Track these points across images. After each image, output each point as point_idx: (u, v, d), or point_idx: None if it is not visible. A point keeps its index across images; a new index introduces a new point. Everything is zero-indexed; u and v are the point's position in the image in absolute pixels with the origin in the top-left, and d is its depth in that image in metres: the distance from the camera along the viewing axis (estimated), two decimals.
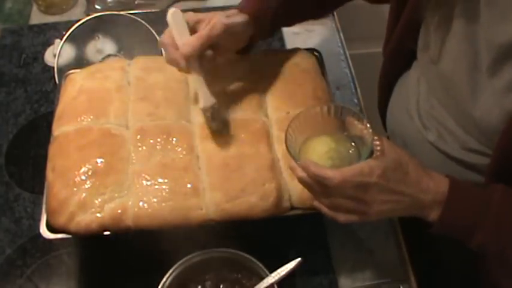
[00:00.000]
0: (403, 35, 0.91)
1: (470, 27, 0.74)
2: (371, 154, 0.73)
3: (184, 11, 1.30)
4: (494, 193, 0.73)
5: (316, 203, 0.76)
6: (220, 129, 0.88)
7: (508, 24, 0.68)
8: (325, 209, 0.75)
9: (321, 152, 0.77)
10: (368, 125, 0.74)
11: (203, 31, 0.84)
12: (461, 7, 0.75)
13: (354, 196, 0.71)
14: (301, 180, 0.74)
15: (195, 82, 0.86)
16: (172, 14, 0.85)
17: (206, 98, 0.86)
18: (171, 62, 0.85)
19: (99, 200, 0.81)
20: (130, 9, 1.27)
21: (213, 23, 0.84)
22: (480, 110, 0.77)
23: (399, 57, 0.95)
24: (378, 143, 0.73)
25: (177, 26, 0.85)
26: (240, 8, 0.88)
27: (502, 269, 0.80)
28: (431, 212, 0.73)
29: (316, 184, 0.72)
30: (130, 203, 0.81)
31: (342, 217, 0.74)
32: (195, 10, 1.30)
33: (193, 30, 0.85)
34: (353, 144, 0.77)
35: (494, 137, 0.76)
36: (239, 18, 0.87)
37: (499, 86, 0.73)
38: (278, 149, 0.88)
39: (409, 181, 0.72)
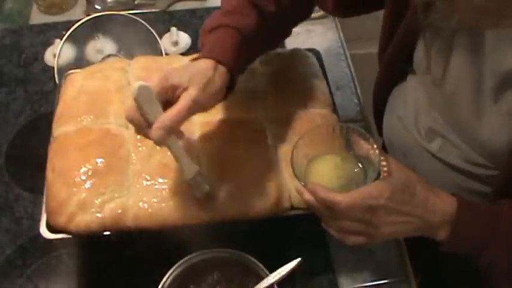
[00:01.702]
0: (397, 51, 0.90)
1: (474, 54, 0.73)
2: (378, 174, 0.72)
3: (184, 11, 1.32)
4: (503, 211, 0.72)
5: (323, 225, 0.75)
6: (208, 193, 0.81)
7: None
8: (332, 231, 0.74)
9: (327, 171, 0.77)
10: (375, 146, 0.73)
11: (178, 109, 0.71)
12: (463, 34, 0.74)
13: (362, 219, 0.71)
14: (307, 203, 0.74)
15: (173, 154, 0.77)
16: (138, 90, 0.69)
17: (189, 168, 0.78)
18: (145, 137, 0.73)
19: (99, 200, 0.81)
20: (130, 9, 1.28)
21: (190, 100, 0.71)
22: (486, 132, 0.77)
23: (393, 72, 0.94)
24: (384, 163, 0.72)
25: (145, 103, 0.70)
26: (217, 60, 0.76)
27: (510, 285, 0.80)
28: (440, 232, 0.73)
29: (323, 208, 0.72)
30: (130, 203, 0.81)
31: (349, 239, 0.73)
32: (195, 10, 1.32)
33: (166, 99, 0.73)
34: (359, 163, 0.77)
35: (500, 156, 0.75)
36: (218, 82, 0.76)
37: (504, 109, 0.72)
38: (278, 149, 0.88)
39: (417, 202, 0.72)
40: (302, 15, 0.96)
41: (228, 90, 0.81)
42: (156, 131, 0.70)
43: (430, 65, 0.82)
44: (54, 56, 1.16)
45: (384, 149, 1.06)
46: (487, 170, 0.81)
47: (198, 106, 0.74)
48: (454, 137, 0.84)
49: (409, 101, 0.92)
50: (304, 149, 0.77)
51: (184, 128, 0.89)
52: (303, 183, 0.74)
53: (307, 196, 0.72)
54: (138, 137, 0.87)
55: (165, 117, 0.70)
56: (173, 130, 0.72)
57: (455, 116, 0.82)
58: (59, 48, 1.15)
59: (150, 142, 0.85)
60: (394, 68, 0.93)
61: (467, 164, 0.83)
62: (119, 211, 0.81)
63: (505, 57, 0.69)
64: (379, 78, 0.99)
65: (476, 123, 0.77)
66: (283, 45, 1.24)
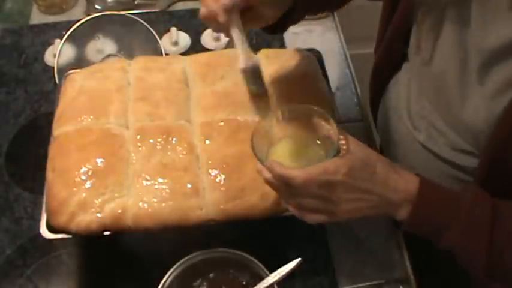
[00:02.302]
0: (394, 37, 0.91)
1: (461, 31, 0.74)
2: (337, 153, 0.73)
3: (184, 11, 1.32)
4: (465, 195, 0.72)
5: (283, 203, 0.75)
6: (259, 92, 0.84)
7: (497, 28, 0.69)
8: (292, 209, 0.74)
9: (289, 152, 0.77)
10: (334, 125, 0.74)
11: None
12: (452, 11, 0.75)
13: (320, 195, 0.71)
14: (267, 182, 0.74)
15: (236, 40, 0.78)
16: None
17: (246, 58, 0.80)
18: (209, 15, 0.76)
19: (99, 200, 0.81)
20: (130, 9, 1.28)
21: None
22: (469, 112, 0.77)
23: (390, 59, 0.96)
24: (343, 142, 0.72)
25: None
26: None
27: (470, 271, 0.80)
28: (401, 211, 0.73)
29: (282, 185, 0.72)
30: (130, 203, 0.81)
31: (309, 217, 0.73)
32: (195, 10, 1.32)
33: None
34: (322, 146, 0.77)
35: (482, 139, 0.76)
36: None
37: (488, 89, 0.73)
38: None
39: (377, 180, 0.72)
40: None
41: (284, 19, 0.83)
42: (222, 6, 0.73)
43: (421, 45, 0.83)
44: (54, 56, 1.16)
45: (380, 148, 1.07)
46: (473, 159, 0.81)
47: None
48: (441, 124, 0.85)
49: (402, 90, 0.94)
50: (267, 131, 0.77)
51: (185, 127, 0.90)
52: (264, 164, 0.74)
53: (266, 174, 0.73)
54: (138, 136, 0.87)
55: None
56: (237, 8, 0.74)
57: (443, 99, 0.83)
58: (59, 48, 1.15)
59: (150, 142, 0.86)
60: (390, 55, 0.95)
61: (454, 152, 0.84)
62: (119, 211, 0.81)
63: (489, 35, 0.70)
64: (375, 70, 1.01)
65: (460, 104, 0.78)
66: (283, 45, 1.24)
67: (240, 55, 0.80)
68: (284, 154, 0.77)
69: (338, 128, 0.73)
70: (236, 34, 0.77)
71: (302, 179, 0.69)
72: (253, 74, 0.82)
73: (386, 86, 1.00)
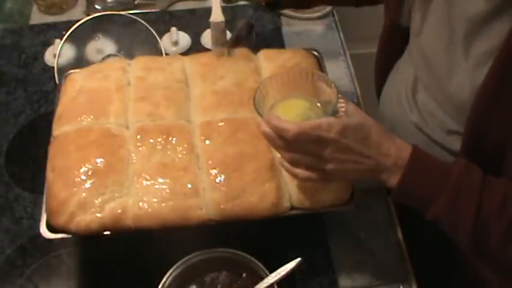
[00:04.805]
0: (395, 13, 0.92)
1: (449, 1, 0.75)
2: (335, 115, 0.75)
3: (184, 11, 1.32)
4: (456, 166, 0.73)
5: (279, 160, 0.78)
6: (219, 42, 1.00)
7: None
8: (286, 165, 0.77)
9: (290, 113, 0.79)
10: (335, 89, 0.76)
11: None
12: None
13: (313, 152, 0.73)
14: (265, 135, 0.76)
15: (213, 3, 1.00)
16: None
17: (216, 15, 0.99)
18: None
19: (99, 200, 0.81)
20: (130, 9, 1.28)
21: None
22: (454, 86, 0.78)
23: (393, 39, 0.97)
24: (343, 105, 0.75)
25: None
26: None
27: (456, 242, 0.80)
28: (392, 177, 0.74)
29: (277, 138, 0.74)
30: (130, 203, 0.81)
31: (301, 173, 0.76)
32: (195, 10, 1.32)
33: None
34: (323, 110, 0.79)
35: (466, 113, 0.77)
36: None
37: (470, 60, 0.74)
38: None
39: (370, 143, 0.73)
40: None
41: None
42: None
43: (414, 16, 0.85)
44: (54, 56, 1.16)
45: None
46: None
47: None
48: (432, 104, 0.86)
49: (402, 73, 0.95)
50: (270, 90, 0.80)
51: (185, 127, 0.90)
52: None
53: (264, 127, 0.75)
54: (138, 136, 0.87)
55: None
56: None
57: (433, 75, 0.84)
58: (59, 48, 1.15)
59: (150, 142, 0.86)
60: (393, 35, 0.96)
61: (443, 134, 0.86)
62: (119, 211, 0.81)
63: (469, 4, 0.71)
64: (379, 53, 1.02)
65: (447, 79, 0.79)
66: (283, 45, 1.24)
67: (212, 12, 1.00)
68: (284, 113, 0.78)
69: (338, 92, 0.76)
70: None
71: (295, 131, 0.71)
72: (216, 27, 0.99)
73: (389, 72, 1.01)
